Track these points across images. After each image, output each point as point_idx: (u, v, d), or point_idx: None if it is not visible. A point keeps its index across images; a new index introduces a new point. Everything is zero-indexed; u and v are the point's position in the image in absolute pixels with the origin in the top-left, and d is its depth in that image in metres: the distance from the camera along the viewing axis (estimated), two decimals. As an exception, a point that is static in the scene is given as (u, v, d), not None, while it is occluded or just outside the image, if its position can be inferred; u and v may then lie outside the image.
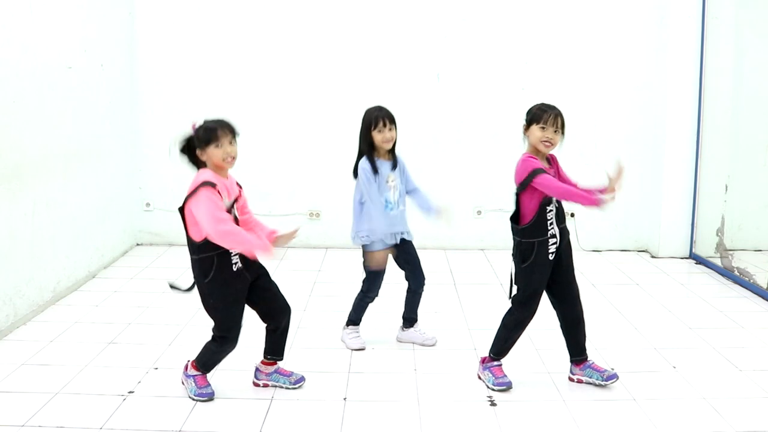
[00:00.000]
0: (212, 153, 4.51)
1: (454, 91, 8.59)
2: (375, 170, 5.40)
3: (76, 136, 7.01)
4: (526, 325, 4.98)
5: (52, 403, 4.63)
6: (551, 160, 4.88)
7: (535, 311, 4.94)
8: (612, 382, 4.94)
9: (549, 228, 4.75)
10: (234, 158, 4.58)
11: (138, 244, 8.75)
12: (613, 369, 5.14)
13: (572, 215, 4.92)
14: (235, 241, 4.45)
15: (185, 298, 6.63)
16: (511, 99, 8.50)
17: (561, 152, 4.89)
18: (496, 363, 5.04)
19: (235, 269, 4.58)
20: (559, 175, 4.85)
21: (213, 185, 4.43)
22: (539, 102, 4.86)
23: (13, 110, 5.89)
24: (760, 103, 7.96)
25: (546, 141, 4.71)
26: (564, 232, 4.84)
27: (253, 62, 8.50)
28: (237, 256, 4.58)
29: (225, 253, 4.53)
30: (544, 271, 4.83)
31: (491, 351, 5.05)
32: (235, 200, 4.64)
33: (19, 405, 4.59)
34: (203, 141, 4.52)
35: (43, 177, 6.38)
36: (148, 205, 8.73)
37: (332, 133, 8.45)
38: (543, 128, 4.71)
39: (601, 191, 4.69)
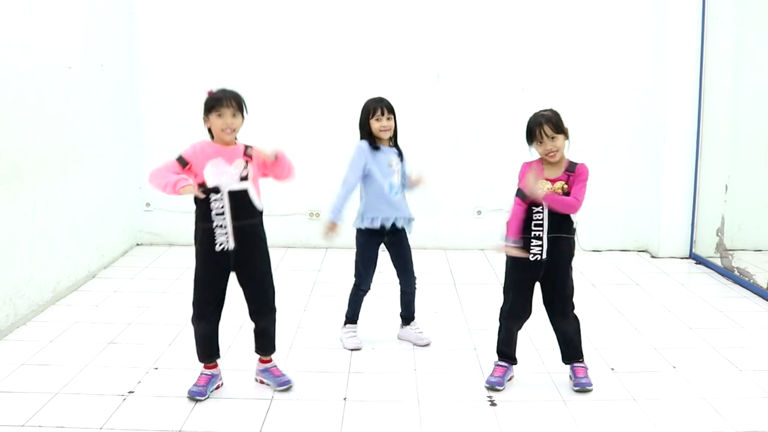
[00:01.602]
0: (213, 121, 4.60)
1: (454, 91, 8.60)
2: (375, 149, 5.49)
3: (76, 136, 7.02)
4: (510, 322, 5.04)
5: (52, 403, 4.64)
6: (573, 169, 4.78)
7: (516, 310, 4.99)
8: (576, 389, 4.92)
9: (533, 229, 4.78)
10: (234, 131, 4.63)
11: (138, 244, 8.76)
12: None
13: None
14: (155, 183, 4.52)
15: (185, 299, 6.66)
16: (511, 99, 8.51)
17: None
18: (497, 362, 5.10)
19: (217, 248, 4.61)
20: (570, 183, 4.77)
21: (183, 162, 4.57)
22: (534, 112, 4.85)
23: (13, 110, 5.89)
24: (760, 103, 7.97)
25: (548, 154, 4.73)
26: (556, 241, 4.81)
27: (252, 63, 8.51)
28: (224, 236, 4.60)
29: (208, 229, 4.60)
30: (522, 269, 4.88)
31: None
32: (247, 163, 4.66)
33: (19, 405, 4.60)
34: (207, 108, 4.62)
35: (43, 177, 6.38)
36: (148, 205, 8.73)
37: (332, 134, 8.45)
38: (540, 143, 4.73)
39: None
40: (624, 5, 8.48)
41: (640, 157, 8.65)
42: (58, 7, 6.61)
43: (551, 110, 4.82)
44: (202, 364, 4.89)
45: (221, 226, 4.59)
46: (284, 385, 4.89)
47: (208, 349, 4.88)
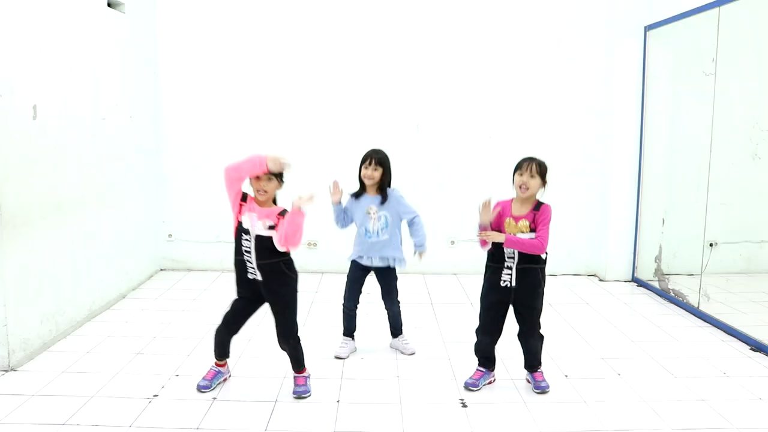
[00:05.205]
0: (252, 181, 4.68)
1: (432, 139, 8.65)
2: (357, 197, 5.65)
3: (109, 178, 7.05)
4: (483, 337, 5.11)
5: (88, 405, 4.67)
6: (538, 209, 4.88)
7: (486, 328, 5.07)
8: (537, 392, 5.02)
9: (506, 260, 4.87)
10: (265, 192, 4.67)
11: (161, 270, 8.75)
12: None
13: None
14: (232, 168, 4.62)
15: (202, 316, 6.68)
16: (480, 146, 8.58)
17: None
18: (477, 367, 5.20)
19: (249, 276, 4.75)
20: (535, 223, 4.86)
21: (244, 197, 4.74)
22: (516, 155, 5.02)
23: (55, 156, 5.94)
24: (690, 150, 8.01)
25: (521, 185, 4.83)
26: (525, 271, 4.87)
27: (260, 116, 8.56)
28: (252, 269, 4.70)
29: (240, 261, 4.75)
30: (493, 293, 4.97)
31: None
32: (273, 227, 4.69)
33: (60, 406, 4.63)
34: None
35: (81, 213, 6.41)
36: (170, 236, 8.75)
37: (325, 176, 8.48)
38: (520, 174, 4.83)
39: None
40: (574, 68, 8.59)
41: (590, 196, 8.70)
42: (93, 67, 6.66)
43: (543, 162, 4.95)
44: (215, 361, 5.07)
45: (249, 261, 4.71)
46: (296, 393, 4.91)
47: (222, 349, 5.03)
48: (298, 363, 4.99)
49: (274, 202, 4.82)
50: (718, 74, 6.84)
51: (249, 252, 4.69)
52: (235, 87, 8.59)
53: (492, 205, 4.84)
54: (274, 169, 4.60)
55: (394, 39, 8.58)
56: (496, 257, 4.94)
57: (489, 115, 8.64)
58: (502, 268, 4.90)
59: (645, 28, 8.21)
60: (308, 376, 5.03)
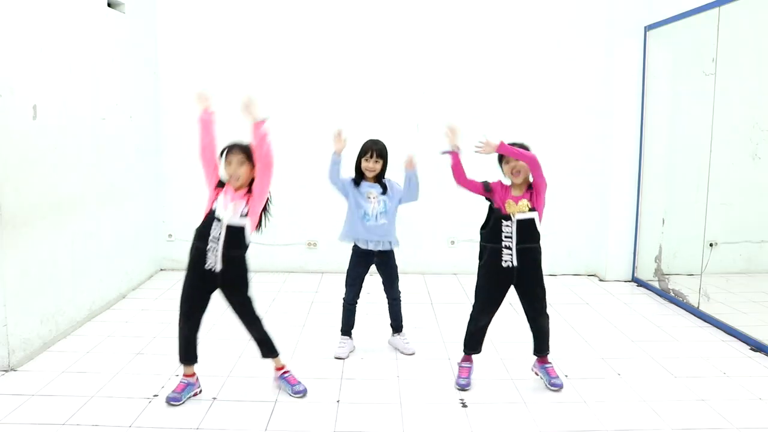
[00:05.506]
0: (224, 167, 4.71)
1: (431, 139, 8.65)
2: (357, 183, 5.64)
3: (109, 177, 7.06)
4: (478, 322, 5.13)
5: (89, 405, 4.67)
6: (531, 190, 4.96)
7: (485, 312, 5.08)
8: (554, 390, 5.02)
9: (504, 239, 4.86)
10: (238, 179, 4.67)
11: (161, 270, 8.76)
12: (562, 379, 5.23)
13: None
14: (198, 143, 4.86)
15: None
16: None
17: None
18: (460, 363, 5.22)
19: (206, 267, 4.59)
20: (535, 196, 4.94)
21: (221, 183, 4.74)
22: None
23: (55, 156, 5.94)
24: (690, 151, 8.03)
25: (512, 171, 4.94)
26: (525, 250, 4.89)
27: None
28: (214, 258, 4.59)
29: (200, 249, 4.61)
30: (494, 275, 4.96)
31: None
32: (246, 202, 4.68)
33: (61, 406, 4.64)
34: (220, 153, 4.74)
35: (81, 212, 6.42)
36: (170, 236, 8.76)
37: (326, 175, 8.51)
38: (507, 162, 4.90)
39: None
40: (576, 75, 8.60)
41: (590, 196, 8.72)
42: (93, 67, 6.67)
43: (523, 142, 5.02)
44: (183, 372, 4.88)
45: (214, 249, 4.59)
46: (298, 393, 4.90)
47: (188, 350, 4.81)
48: (270, 348, 4.95)
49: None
50: (718, 74, 6.85)
51: (216, 241, 4.58)
52: (235, 87, 8.59)
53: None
54: (201, 104, 4.94)
55: (394, 39, 8.60)
56: (491, 235, 4.95)
57: (489, 115, 8.64)
58: (500, 248, 4.90)
59: (645, 28, 8.22)
60: (289, 370, 5.04)
